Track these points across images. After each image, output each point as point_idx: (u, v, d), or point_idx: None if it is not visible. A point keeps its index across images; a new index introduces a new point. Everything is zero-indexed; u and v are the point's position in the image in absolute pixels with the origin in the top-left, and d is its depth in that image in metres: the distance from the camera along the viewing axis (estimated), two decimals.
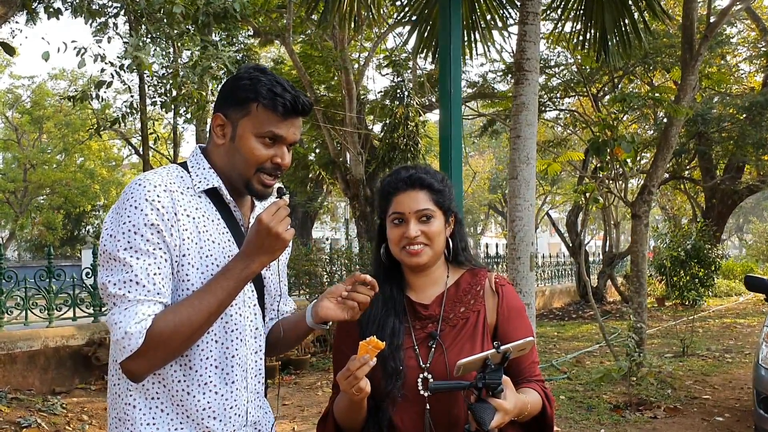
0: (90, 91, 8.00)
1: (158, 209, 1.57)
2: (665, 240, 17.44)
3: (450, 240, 1.93)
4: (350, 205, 16.53)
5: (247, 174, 1.69)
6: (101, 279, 1.57)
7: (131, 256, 1.54)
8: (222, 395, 1.67)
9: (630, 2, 5.83)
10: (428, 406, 1.80)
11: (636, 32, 5.96)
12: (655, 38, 12.72)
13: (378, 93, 18.98)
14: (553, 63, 16.35)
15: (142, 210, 1.56)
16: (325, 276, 10.22)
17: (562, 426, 5.91)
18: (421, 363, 1.82)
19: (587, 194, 8.10)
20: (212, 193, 1.72)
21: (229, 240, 1.70)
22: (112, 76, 7.64)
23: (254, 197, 1.76)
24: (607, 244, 18.39)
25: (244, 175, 1.70)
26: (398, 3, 7.31)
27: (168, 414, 1.63)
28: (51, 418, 5.74)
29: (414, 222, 1.84)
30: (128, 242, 1.54)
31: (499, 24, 6.58)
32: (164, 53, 6.95)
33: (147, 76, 8.63)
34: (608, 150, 7.12)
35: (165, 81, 8.04)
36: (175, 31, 6.94)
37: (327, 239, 15.09)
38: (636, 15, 5.95)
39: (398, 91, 15.54)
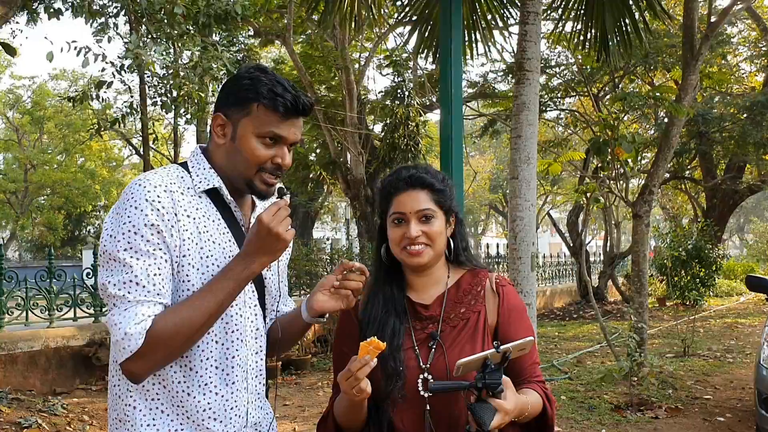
0: (90, 92, 8.00)
1: (158, 209, 1.57)
2: (666, 240, 17.42)
3: (451, 240, 1.93)
4: (351, 205, 16.53)
5: (249, 174, 1.69)
6: (101, 279, 1.57)
7: (131, 257, 1.54)
8: (222, 396, 1.66)
9: (631, 2, 5.82)
10: (428, 407, 1.79)
11: (637, 32, 5.96)
12: (656, 38, 12.70)
13: (379, 93, 18.97)
14: (553, 63, 16.34)
15: (142, 210, 1.56)
16: (326, 276, 10.21)
17: (564, 426, 5.90)
18: (422, 363, 1.82)
19: (588, 194, 8.09)
20: (213, 194, 1.71)
21: (229, 240, 1.70)
22: (113, 76, 7.64)
23: (257, 196, 1.75)
24: (608, 244, 18.37)
25: (245, 175, 1.69)
26: (399, 3, 7.32)
27: (168, 415, 1.63)
28: (52, 419, 5.74)
29: (415, 222, 1.83)
30: (128, 243, 1.54)
31: (500, 24, 6.58)
32: (165, 53, 6.94)
33: (147, 77, 8.63)
34: (609, 150, 7.12)
35: (165, 81, 8.03)
36: (176, 32, 6.94)
37: (328, 239, 15.09)
38: (637, 15, 5.95)
39: (399, 91, 15.54)
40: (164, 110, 8.32)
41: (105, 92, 8.19)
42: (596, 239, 36.79)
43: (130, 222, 1.55)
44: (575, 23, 6.24)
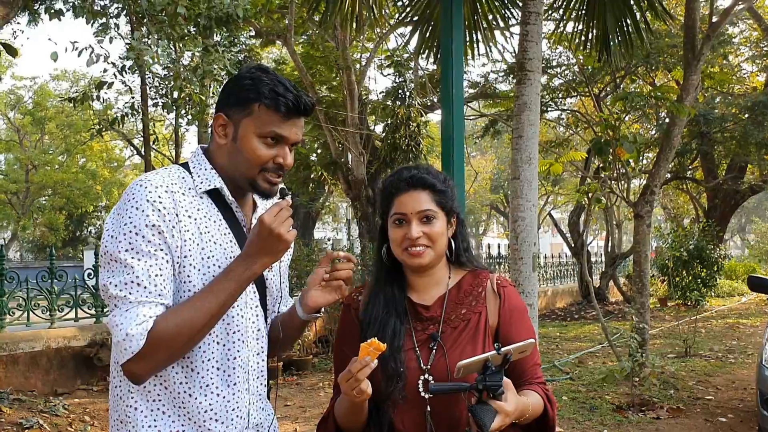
0: (91, 92, 8.01)
1: (159, 210, 1.57)
2: (668, 240, 17.40)
3: (452, 241, 1.92)
4: (352, 206, 16.52)
5: (251, 174, 1.68)
6: (102, 280, 1.57)
7: (132, 258, 1.54)
8: (224, 397, 1.66)
9: (632, 2, 5.82)
10: (429, 408, 1.79)
11: (638, 32, 5.95)
12: (657, 38, 12.69)
13: (380, 93, 18.93)
14: (555, 63, 16.34)
15: (143, 211, 1.55)
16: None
17: (565, 426, 5.90)
18: (422, 364, 1.82)
19: (590, 194, 8.09)
20: (214, 194, 1.71)
21: (231, 241, 1.70)
22: (114, 77, 7.64)
23: (260, 195, 1.75)
24: (610, 244, 18.35)
25: (247, 175, 1.69)
26: (400, 3, 7.31)
27: (169, 416, 1.63)
28: (53, 419, 5.74)
29: (416, 223, 1.83)
30: (129, 243, 1.54)
31: (501, 24, 6.57)
32: (166, 53, 6.94)
33: (148, 78, 8.64)
34: (610, 150, 7.11)
35: (167, 82, 8.04)
36: (177, 33, 6.94)
37: (329, 240, 15.08)
38: (638, 15, 5.94)
39: (400, 91, 15.51)
40: (165, 111, 8.33)
41: (106, 93, 8.19)
42: (597, 239, 36.74)
43: (131, 222, 1.55)
44: (576, 23, 6.24)
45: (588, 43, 6.18)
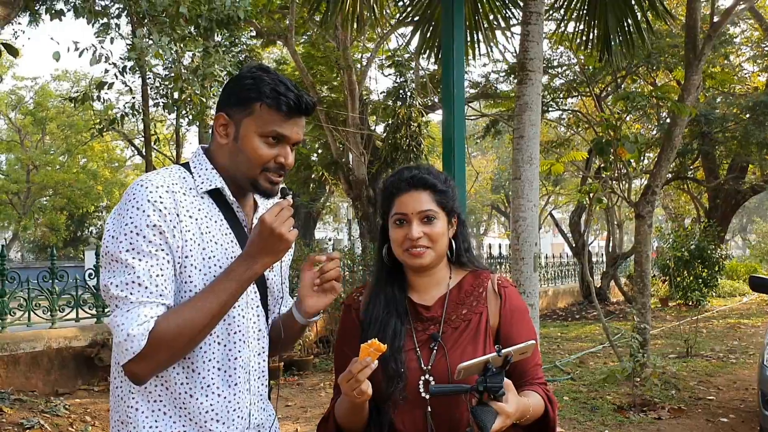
0: (91, 92, 8.01)
1: (160, 210, 1.57)
2: (669, 240, 17.39)
3: (453, 241, 1.92)
4: (353, 206, 16.51)
5: (252, 174, 1.68)
6: (103, 280, 1.56)
7: (133, 258, 1.53)
8: (225, 398, 1.66)
9: (633, 2, 5.81)
10: (429, 409, 1.79)
11: (639, 32, 5.94)
12: (658, 38, 12.68)
13: (381, 93, 18.96)
14: (555, 63, 16.33)
15: (144, 211, 1.55)
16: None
17: (566, 427, 5.89)
18: (423, 365, 1.81)
19: (591, 194, 8.08)
20: (215, 194, 1.71)
21: (231, 241, 1.69)
22: (115, 77, 7.64)
23: (261, 195, 1.74)
24: (611, 244, 18.35)
25: (249, 175, 1.69)
26: (401, 3, 7.30)
27: (171, 417, 1.62)
28: (54, 420, 5.74)
29: (416, 223, 1.83)
30: (130, 243, 1.54)
31: (502, 24, 6.56)
32: (168, 53, 6.94)
33: (149, 78, 8.64)
34: (612, 150, 7.10)
35: (168, 83, 8.04)
36: (178, 33, 6.94)
37: (330, 240, 15.05)
38: (639, 15, 5.93)
39: (401, 91, 15.51)
40: (166, 111, 8.33)
41: (106, 93, 8.20)
42: (598, 240, 36.73)
43: (132, 223, 1.55)
44: (578, 23, 6.23)
45: (589, 43, 6.17)
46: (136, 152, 27.46)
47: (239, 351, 1.69)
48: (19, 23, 9.55)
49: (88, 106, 9.73)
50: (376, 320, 1.86)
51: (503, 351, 1.63)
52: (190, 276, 1.61)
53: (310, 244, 11.41)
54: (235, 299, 1.61)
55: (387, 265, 1.92)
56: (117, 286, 1.53)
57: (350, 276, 10.22)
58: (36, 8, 7.63)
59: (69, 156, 30.08)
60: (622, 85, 15.96)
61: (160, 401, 1.62)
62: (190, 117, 7.82)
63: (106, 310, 7.33)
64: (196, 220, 1.64)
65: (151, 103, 8.91)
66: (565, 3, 6.26)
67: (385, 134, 15.81)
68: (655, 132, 17.68)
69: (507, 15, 6.34)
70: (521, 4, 5.43)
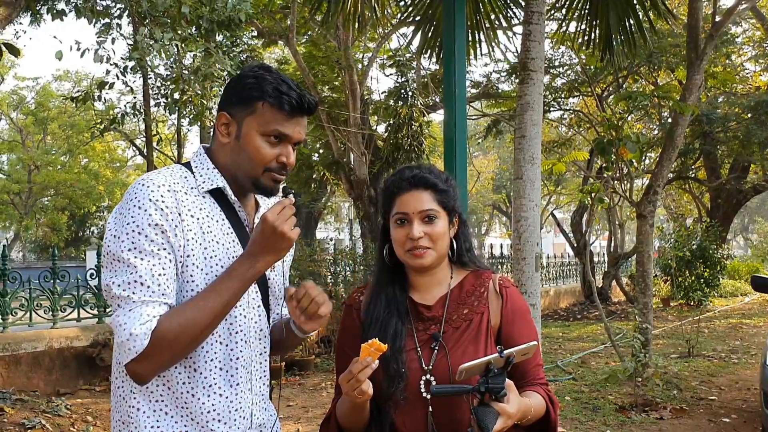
0: (93, 92, 8.01)
1: (162, 209, 1.56)
2: (670, 240, 17.38)
3: (454, 241, 1.91)
4: (354, 206, 16.52)
5: (255, 174, 1.68)
6: (105, 280, 1.56)
7: (135, 257, 1.53)
8: (227, 397, 1.65)
9: (635, 1, 5.80)
10: (431, 409, 1.79)
11: (641, 31, 5.94)
12: (660, 38, 12.67)
13: (382, 93, 18.97)
14: (557, 63, 16.32)
15: (146, 210, 1.55)
16: (329, 277, 10.20)
17: (568, 427, 5.88)
18: (424, 365, 1.81)
19: (592, 194, 8.08)
20: (216, 194, 1.70)
21: (233, 240, 1.69)
22: (117, 77, 7.64)
23: (263, 194, 1.74)
24: (612, 244, 18.33)
25: (251, 174, 1.68)
26: (402, 3, 7.29)
27: (172, 417, 1.62)
28: (55, 420, 5.74)
29: (418, 222, 1.82)
30: (132, 243, 1.53)
31: (504, 24, 6.55)
32: (169, 52, 6.94)
33: (150, 78, 8.64)
34: (613, 150, 7.10)
35: (168, 83, 8.04)
36: (179, 33, 6.94)
37: (331, 240, 15.05)
38: (641, 14, 5.93)
39: (402, 91, 15.52)
40: (167, 111, 8.33)
41: (107, 93, 8.20)
42: (600, 239, 36.73)
43: (134, 222, 1.54)
44: (579, 23, 6.22)
45: (591, 43, 6.16)
46: (137, 152, 27.48)
47: (241, 351, 1.68)
48: (21, 23, 9.57)
49: (89, 106, 9.73)
50: (376, 320, 1.86)
51: (505, 352, 1.63)
52: (191, 275, 1.61)
53: (311, 244, 11.40)
54: (237, 298, 1.61)
55: (388, 264, 1.92)
56: (119, 285, 1.52)
57: (351, 276, 10.22)
58: (37, 8, 7.63)
59: (70, 156, 30.09)
60: (624, 85, 15.95)
61: (162, 401, 1.62)
62: (191, 117, 7.82)
63: (107, 310, 7.33)
64: (198, 219, 1.64)
65: (152, 103, 8.91)
66: (567, 2, 6.26)
67: (386, 134, 15.82)
68: (656, 132, 17.68)
69: (508, 14, 6.34)
70: (523, 3, 5.43)
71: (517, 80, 8.51)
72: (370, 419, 1.81)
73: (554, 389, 1.91)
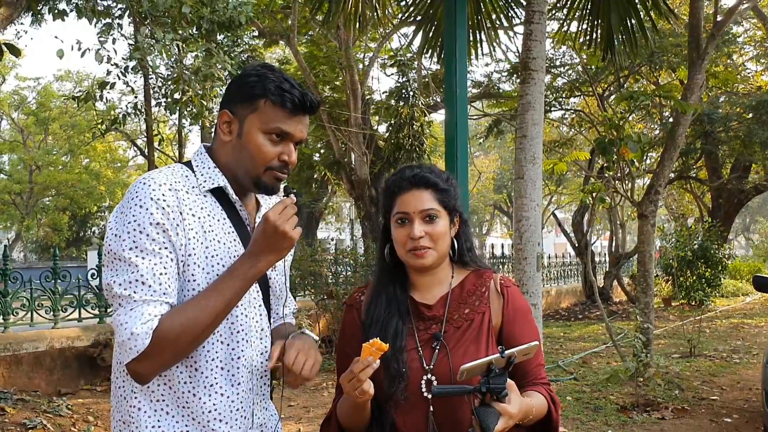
0: (94, 92, 8.01)
1: (163, 208, 1.56)
2: (672, 240, 17.36)
3: (455, 240, 1.91)
4: (355, 206, 16.52)
5: (257, 173, 1.68)
6: (106, 279, 1.56)
7: (137, 256, 1.53)
8: (228, 397, 1.65)
9: (636, 1, 5.80)
10: (432, 409, 1.78)
11: (642, 31, 5.93)
12: (661, 37, 12.67)
13: (383, 93, 18.98)
14: (558, 63, 16.31)
15: (147, 209, 1.55)
16: (330, 277, 10.20)
17: (569, 427, 5.88)
18: (425, 365, 1.81)
19: (594, 194, 8.07)
20: (217, 193, 1.70)
21: (234, 240, 1.69)
22: (118, 78, 7.64)
23: (264, 192, 1.73)
24: (614, 244, 18.32)
25: (252, 173, 1.68)
26: (403, 3, 7.29)
27: (173, 416, 1.62)
28: (56, 420, 5.74)
29: (418, 222, 1.82)
30: (133, 242, 1.53)
31: (505, 23, 6.55)
32: (170, 53, 6.95)
33: (151, 78, 8.64)
34: (614, 150, 7.09)
35: (169, 82, 8.04)
36: (179, 33, 6.94)
37: (332, 240, 15.06)
38: (642, 14, 5.92)
39: (403, 91, 15.52)
40: (168, 111, 8.33)
41: (109, 93, 8.20)
42: (601, 239, 36.72)
43: (135, 221, 1.54)
44: (581, 22, 6.22)
45: (592, 42, 6.16)
46: (138, 152, 27.49)
47: (242, 350, 1.68)
48: (22, 23, 9.57)
49: (90, 106, 9.73)
50: (377, 320, 1.85)
51: (506, 352, 1.62)
52: (193, 274, 1.60)
53: (312, 244, 11.40)
54: (239, 298, 1.60)
55: (389, 264, 1.92)
56: (120, 284, 1.52)
57: (352, 276, 10.22)
58: (39, 8, 7.63)
59: (72, 156, 30.11)
60: (625, 85, 15.94)
61: (163, 401, 1.62)
62: (191, 117, 7.82)
63: (108, 310, 7.33)
64: (199, 218, 1.63)
65: (153, 103, 8.90)
66: (568, 2, 6.26)
67: (387, 134, 15.83)
68: (658, 131, 17.67)
69: (510, 14, 6.34)
70: (524, 3, 5.43)
71: (518, 80, 8.50)
72: (371, 419, 1.81)
73: (555, 389, 1.91)
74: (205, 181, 1.68)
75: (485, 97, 18.14)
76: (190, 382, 1.62)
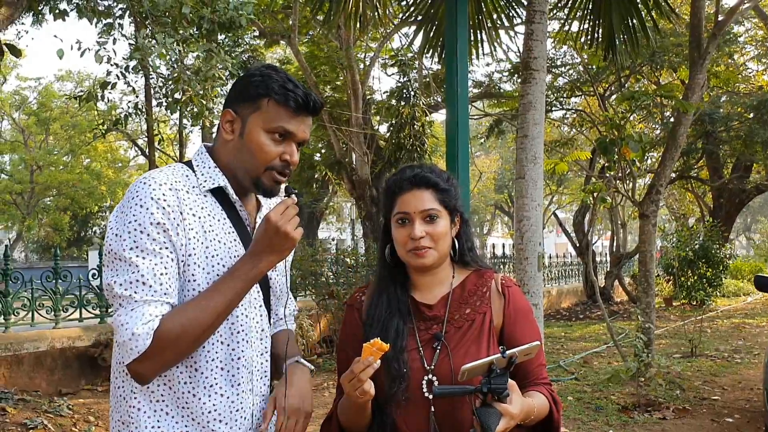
0: (95, 92, 8.01)
1: (164, 208, 1.56)
2: (673, 240, 17.35)
3: (456, 240, 1.90)
4: (356, 206, 16.52)
5: (257, 172, 1.67)
6: (107, 279, 1.55)
7: (137, 256, 1.52)
8: (228, 398, 1.65)
9: (638, 1, 5.79)
10: (433, 409, 1.78)
11: (644, 31, 5.93)
12: (663, 37, 12.65)
13: (384, 93, 18.97)
14: (559, 62, 16.30)
15: (147, 209, 1.54)
16: (331, 277, 10.20)
17: (570, 427, 5.87)
18: (426, 365, 1.80)
19: (595, 194, 8.07)
20: (218, 193, 1.70)
21: (234, 240, 1.68)
22: (118, 78, 7.64)
23: (263, 194, 1.73)
24: (615, 244, 18.31)
25: (252, 172, 1.68)
26: (404, 3, 7.30)
27: (173, 417, 1.61)
28: (57, 420, 5.74)
29: (419, 222, 1.81)
30: (134, 241, 1.53)
31: (506, 23, 6.55)
32: (170, 53, 6.94)
33: (152, 78, 8.64)
34: (615, 149, 7.09)
35: (169, 82, 8.04)
36: (180, 33, 6.94)
37: (333, 240, 15.07)
38: (644, 13, 5.92)
39: (404, 91, 15.52)
40: (169, 111, 8.33)
41: (110, 93, 8.19)
42: (602, 239, 36.70)
43: (135, 221, 1.54)
44: (582, 22, 6.21)
45: (593, 42, 6.16)
46: (139, 152, 27.48)
47: (242, 351, 1.68)
48: (23, 23, 9.57)
49: (91, 106, 9.74)
50: (378, 320, 1.85)
51: (507, 352, 1.62)
52: (193, 274, 1.60)
53: (313, 244, 11.40)
54: (240, 298, 1.60)
55: (389, 264, 1.91)
56: (121, 285, 1.52)
57: (353, 276, 10.21)
58: (39, 8, 7.63)
59: (72, 156, 30.12)
60: (626, 85, 15.93)
61: (163, 401, 1.61)
62: (191, 117, 7.82)
63: (109, 310, 7.33)
64: (200, 218, 1.63)
65: (154, 103, 8.90)
66: (570, 2, 6.25)
67: (388, 134, 15.83)
68: (659, 131, 17.65)
69: (510, 14, 6.34)
70: (525, 2, 5.42)
71: (519, 80, 8.49)
72: (372, 420, 1.80)
73: (557, 389, 1.90)
74: (205, 181, 1.68)
75: (486, 97, 18.13)
76: (190, 383, 1.61)
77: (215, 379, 1.63)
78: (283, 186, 1.71)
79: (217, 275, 1.62)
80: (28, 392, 6.32)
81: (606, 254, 21.21)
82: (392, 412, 1.79)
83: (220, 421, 1.63)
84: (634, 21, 5.86)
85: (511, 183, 30.44)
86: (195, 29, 7.12)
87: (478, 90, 17.14)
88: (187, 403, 1.61)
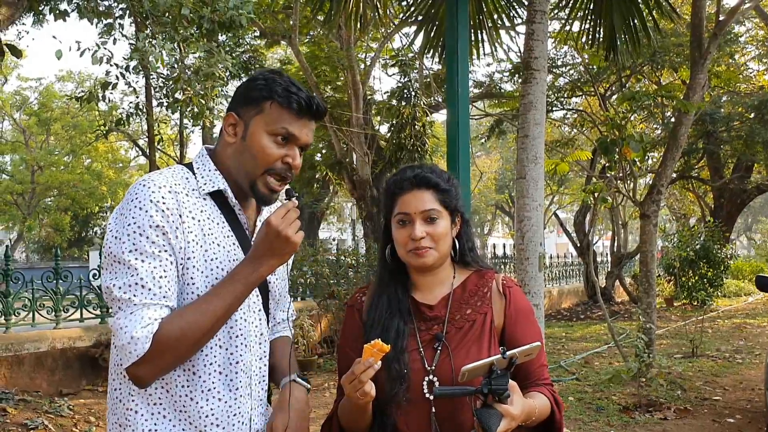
0: (96, 92, 8.01)
1: (163, 210, 1.55)
2: (674, 240, 17.35)
3: (456, 240, 1.90)
4: (357, 206, 16.52)
5: (255, 174, 1.66)
6: (106, 282, 1.54)
7: (136, 259, 1.51)
8: (226, 402, 1.64)
9: (639, 1, 5.78)
10: (434, 410, 1.77)
11: (645, 30, 5.92)
12: (664, 37, 12.65)
13: (385, 93, 18.96)
14: (560, 62, 16.30)
15: (146, 211, 1.53)
16: (332, 277, 10.19)
17: (571, 427, 5.87)
18: (427, 366, 1.79)
19: (595, 194, 8.06)
20: (217, 196, 1.69)
21: (233, 243, 1.68)
22: (118, 78, 7.64)
23: (258, 201, 1.72)
24: (615, 244, 18.30)
25: (251, 175, 1.67)
26: (404, 3, 7.29)
27: (170, 420, 1.60)
28: (58, 420, 5.74)
29: (419, 222, 1.81)
30: (133, 244, 1.52)
31: (507, 23, 6.54)
32: (169, 54, 6.95)
33: (152, 78, 8.65)
34: (616, 149, 7.08)
35: (169, 82, 8.04)
36: (180, 33, 6.94)
37: (334, 240, 15.08)
38: (645, 13, 5.91)
39: (405, 91, 15.51)
40: (170, 111, 8.33)
41: (111, 93, 8.20)
42: (603, 239, 36.68)
43: (134, 223, 1.53)
44: (583, 22, 6.21)
45: (594, 42, 6.15)
46: (140, 153, 27.49)
47: (241, 355, 1.67)
48: (23, 24, 9.58)
49: (92, 106, 9.75)
50: (379, 320, 1.84)
51: (508, 353, 1.61)
52: (192, 278, 1.59)
53: (314, 244, 11.39)
54: (240, 302, 1.59)
55: (390, 264, 1.91)
56: (120, 288, 1.51)
57: (354, 276, 10.21)
58: (40, 9, 7.64)
59: (73, 156, 30.13)
60: (627, 85, 15.92)
61: (160, 404, 1.60)
62: (192, 117, 7.82)
63: (110, 311, 7.32)
64: (199, 221, 1.62)
65: (154, 103, 8.91)
66: (571, 2, 6.24)
67: (389, 134, 15.82)
68: (659, 131, 17.64)
69: (511, 14, 6.33)
70: (525, 2, 5.42)
71: (519, 80, 8.49)
72: (373, 420, 1.80)
73: (558, 389, 1.89)
74: (205, 184, 1.67)
75: (487, 97, 18.13)
76: (188, 387, 1.60)
77: (213, 383, 1.62)
78: (284, 189, 1.70)
79: (216, 279, 1.61)
80: (28, 392, 6.32)
81: (607, 254, 21.21)
82: (393, 413, 1.79)
83: (218, 425, 1.62)
84: (635, 21, 5.85)
85: (511, 183, 30.42)
86: (195, 29, 7.12)
87: (479, 90, 17.14)
88: (184, 406, 1.60)
